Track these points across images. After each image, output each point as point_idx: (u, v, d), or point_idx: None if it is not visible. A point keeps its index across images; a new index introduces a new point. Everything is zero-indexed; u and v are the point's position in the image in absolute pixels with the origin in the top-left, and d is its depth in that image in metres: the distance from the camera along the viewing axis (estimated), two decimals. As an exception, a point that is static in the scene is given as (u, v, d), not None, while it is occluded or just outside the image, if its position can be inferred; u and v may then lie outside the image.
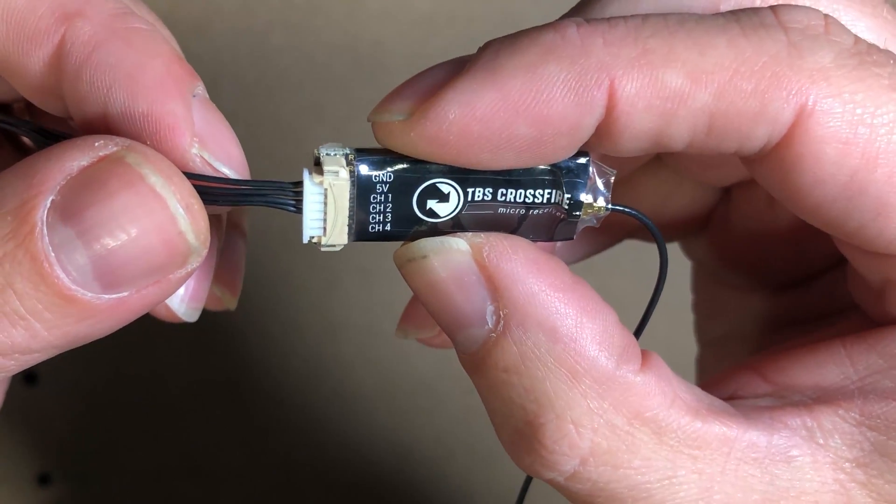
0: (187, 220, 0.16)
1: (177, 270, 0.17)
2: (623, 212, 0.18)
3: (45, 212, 0.16)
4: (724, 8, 0.18)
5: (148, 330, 0.45)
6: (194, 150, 0.17)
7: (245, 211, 0.24)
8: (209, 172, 0.18)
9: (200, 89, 0.19)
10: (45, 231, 0.16)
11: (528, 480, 0.23)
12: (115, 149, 0.16)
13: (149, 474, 0.47)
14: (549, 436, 0.17)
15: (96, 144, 0.16)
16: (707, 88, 0.16)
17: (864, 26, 0.19)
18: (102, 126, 0.18)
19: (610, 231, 0.25)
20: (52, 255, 0.16)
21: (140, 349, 0.45)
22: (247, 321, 0.45)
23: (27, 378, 0.45)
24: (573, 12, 0.19)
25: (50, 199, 0.16)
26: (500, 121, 0.16)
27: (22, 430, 0.46)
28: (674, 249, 0.28)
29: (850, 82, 0.16)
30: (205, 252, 0.17)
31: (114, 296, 0.16)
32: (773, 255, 0.21)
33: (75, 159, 0.16)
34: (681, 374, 0.23)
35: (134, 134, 0.17)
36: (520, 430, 0.18)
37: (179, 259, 0.17)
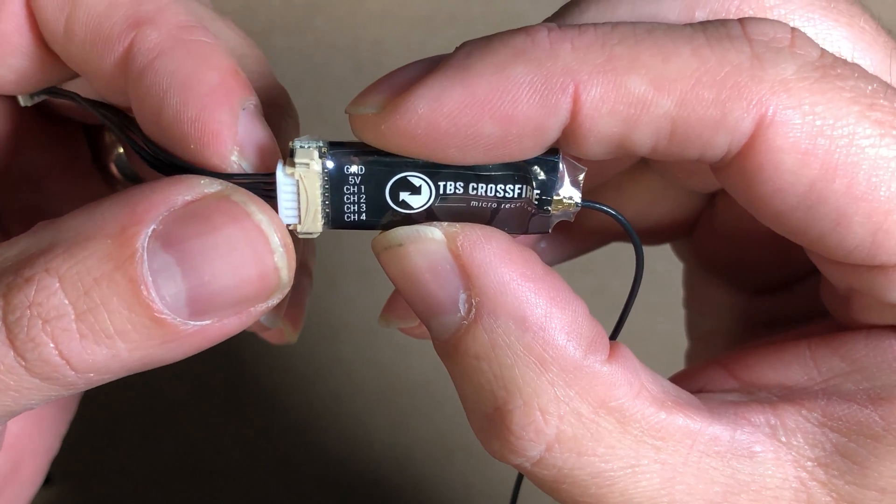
0: (285, 257, 0.18)
1: (260, 304, 0.18)
2: (595, 208, 0.19)
3: (147, 238, 0.17)
4: (698, 19, 0.18)
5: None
6: (234, 157, 0.18)
7: (313, 252, 0.26)
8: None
9: (251, 102, 0.19)
10: (146, 256, 0.17)
11: (519, 480, 0.23)
12: (220, 188, 0.17)
13: (149, 474, 0.47)
14: (517, 421, 0.18)
15: (201, 182, 0.17)
16: (669, 96, 0.16)
17: (840, 35, 0.19)
18: (156, 126, 0.19)
19: (593, 232, 0.25)
20: (150, 279, 0.17)
21: (140, 349, 0.45)
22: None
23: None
24: (552, 18, 0.19)
25: (152, 227, 0.17)
26: (466, 118, 0.16)
27: (22, 429, 0.46)
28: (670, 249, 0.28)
29: (811, 94, 0.16)
30: (287, 290, 0.18)
31: (198, 323, 0.17)
32: (756, 260, 0.22)
33: (180, 193, 0.17)
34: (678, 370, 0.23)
35: (182, 136, 0.18)
36: (489, 416, 0.18)
37: (267, 293, 0.18)
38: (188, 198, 0.17)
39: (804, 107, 0.16)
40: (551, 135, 0.17)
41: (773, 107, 0.16)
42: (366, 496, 0.48)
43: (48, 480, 0.47)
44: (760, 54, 0.16)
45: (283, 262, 0.18)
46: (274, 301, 0.18)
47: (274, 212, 0.18)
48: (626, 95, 0.16)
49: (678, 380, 0.20)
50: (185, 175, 0.18)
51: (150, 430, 0.47)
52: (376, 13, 0.40)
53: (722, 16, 0.18)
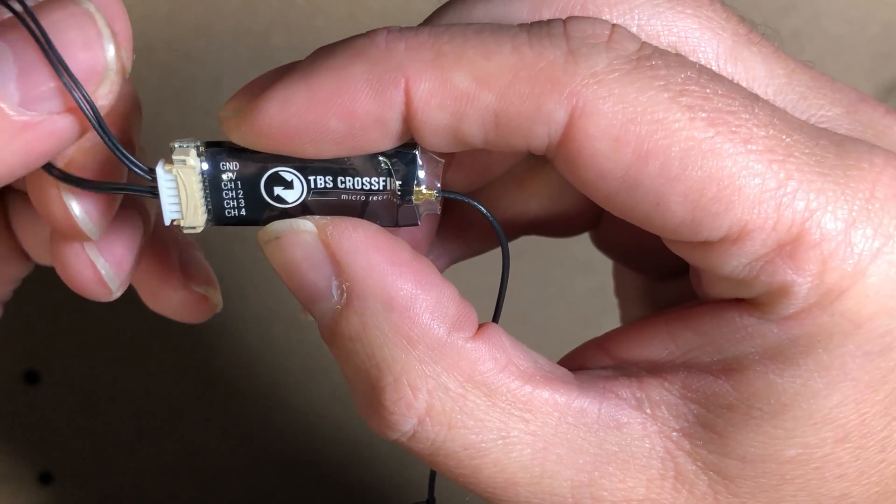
0: (112, 41, 0.18)
1: (89, 91, 0.18)
2: (455, 198, 0.20)
3: None
4: (545, 17, 0.19)
5: (148, 330, 0.45)
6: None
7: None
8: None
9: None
10: None
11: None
12: None
13: (149, 474, 0.48)
14: (388, 397, 0.19)
15: None
16: (490, 90, 0.17)
17: (686, 25, 0.20)
18: None
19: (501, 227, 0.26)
20: None
21: (140, 349, 0.45)
22: (247, 321, 0.45)
23: (29, 377, 0.45)
24: (423, 23, 0.21)
25: None
26: (312, 115, 0.18)
27: (23, 429, 0.46)
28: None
29: (620, 85, 0.17)
30: (118, 84, 0.18)
31: (28, 114, 0.18)
32: (657, 247, 0.22)
33: None
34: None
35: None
36: (367, 394, 0.19)
37: (98, 77, 0.18)
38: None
39: (613, 96, 0.17)
40: (393, 126, 0.18)
41: (584, 98, 0.17)
42: (366, 495, 0.48)
43: (48, 480, 0.47)
44: (575, 50, 0.17)
45: (109, 43, 0.18)
46: (104, 93, 0.18)
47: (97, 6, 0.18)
48: (452, 90, 0.17)
49: (563, 360, 0.22)
50: None
51: (150, 430, 0.47)
52: (376, 13, 0.40)
53: (566, 14, 0.19)
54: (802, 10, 0.40)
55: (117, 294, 0.24)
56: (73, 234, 0.22)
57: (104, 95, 0.18)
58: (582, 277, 0.43)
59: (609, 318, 0.22)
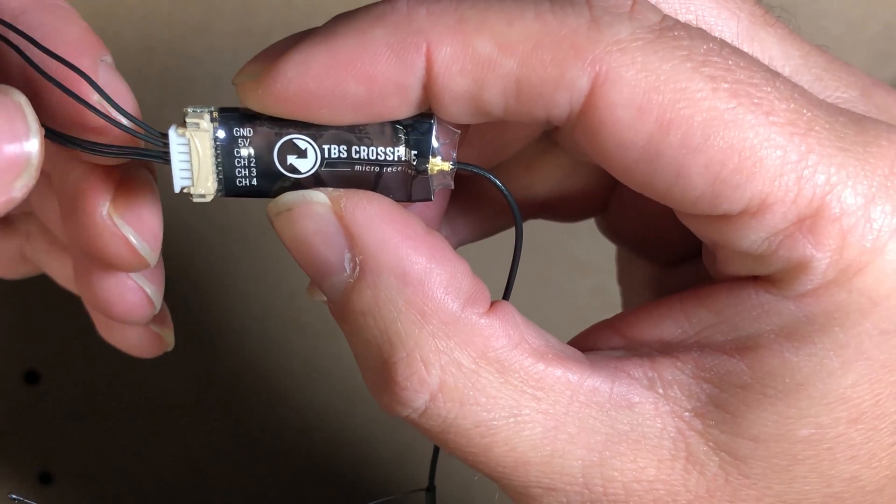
0: (38, 135, 0.18)
1: (4, 184, 0.18)
2: (470, 170, 0.20)
3: None
4: None
5: (148, 330, 0.45)
6: (95, 98, 0.19)
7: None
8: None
9: (108, 59, 0.21)
10: None
11: (436, 453, 0.24)
12: None
13: (149, 474, 0.48)
14: (401, 372, 0.18)
15: None
16: (513, 56, 0.17)
17: (704, 4, 0.20)
18: (22, 74, 0.20)
19: (505, 208, 0.26)
20: None
21: (140, 349, 0.45)
22: (247, 321, 0.45)
23: (29, 377, 0.45)
24: None
25: None
26: (331, 79, 0.18)
27: (23, 429, 0.46)
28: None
29: (644, 54, 0.17)
30: (32, 182, 0.18)
31: None
32: (667, 231, 0.22)
33: None
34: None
35: (47, 82, 0.19)
36: (377, 370, 0.19)
37: (15, 170, 0.18)
38: None
39: (637, 64, 0.17)
40: (413, 93, 0.18)
41: (607, 65, 0.17)
42: (366, 494, 0.48)
43: (48, 480, 0.47)
44: (598, 18, 0.17)
45: (35, 139, 0.18)
46: (19, 186, 0.18)
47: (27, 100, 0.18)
48: (474, 55, 0.17)
49: (574, 342, 0.21)
50: None
51: (151, 430, 0.47)
52: (376, 13, 0.40)
53: None
54: (802, 10, 0.40)
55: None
56: (134, 264, 0.22)
57: (18, 188, 0.18)
58: (582, 277, 0.43)
59: (610, 316, 0.22)
